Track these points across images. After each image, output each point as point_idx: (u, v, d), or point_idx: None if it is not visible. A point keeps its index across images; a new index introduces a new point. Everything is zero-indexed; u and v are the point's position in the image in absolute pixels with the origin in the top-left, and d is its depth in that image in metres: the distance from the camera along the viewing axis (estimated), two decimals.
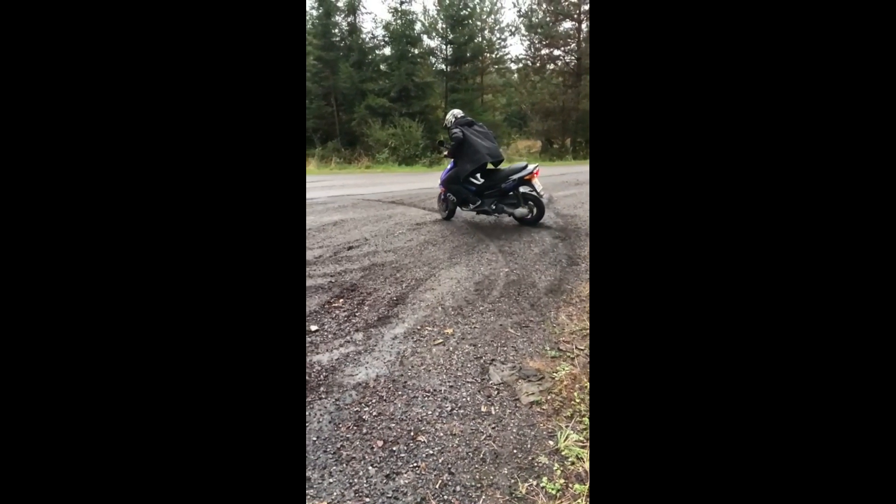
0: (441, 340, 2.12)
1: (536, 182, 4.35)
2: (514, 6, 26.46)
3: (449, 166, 4.72)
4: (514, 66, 19.91)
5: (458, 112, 4.71)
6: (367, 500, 1.20)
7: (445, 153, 4.63)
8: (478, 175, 4.54)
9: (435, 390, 1.71)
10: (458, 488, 1.24)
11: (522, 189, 4.35)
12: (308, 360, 1.94)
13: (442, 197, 4.98)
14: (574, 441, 1.41)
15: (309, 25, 16.18)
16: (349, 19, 15.94)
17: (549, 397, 1.66)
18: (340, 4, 15.67)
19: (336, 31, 15.93)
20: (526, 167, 4.35)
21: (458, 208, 4.88)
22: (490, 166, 4.53)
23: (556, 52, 18.00)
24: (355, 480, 1.26)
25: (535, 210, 4.47)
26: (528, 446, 1.41)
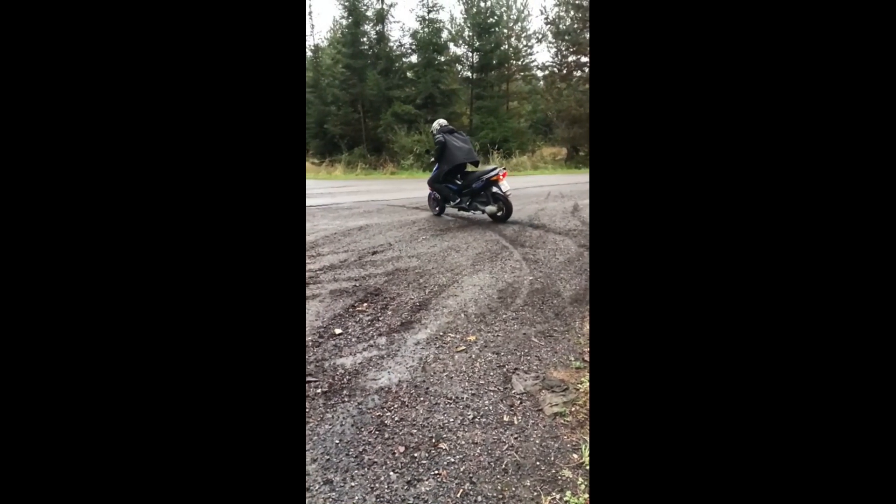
0: (464, 347, 2.11)
1: (504, 183, 4.97)
2: (542, 14, 26.54)
3: (434, 168, 5.42)
4: (540, 74, 19.86)
5: (443, 121, 5.48)
6: None
7: (432, 158, 5.42)
8: (459, 176, 5.25)
9: (457, 398, 1.70)
10: (479, 498, 1.22)
11: (493, 189, 4.98)
12: (332, 363, 1.96)
13: (431, 196, 5.73)
14: None
15: (338, 34, 16.55)
16: (377, 28, 16.23)
17: (573, 409, 1.63)
18: (369, 14, 16.00)
19: (364, 39, 16.26)
20: (494, 169, 4.98)
21: (445, 206, 5.56)
22: (471, 168, 5.24)
23: (584, 59, 17.83)
24: (377, 485, 1.26)
25: (504, 209, 5.08)
26: (552, 459, 1.38)
